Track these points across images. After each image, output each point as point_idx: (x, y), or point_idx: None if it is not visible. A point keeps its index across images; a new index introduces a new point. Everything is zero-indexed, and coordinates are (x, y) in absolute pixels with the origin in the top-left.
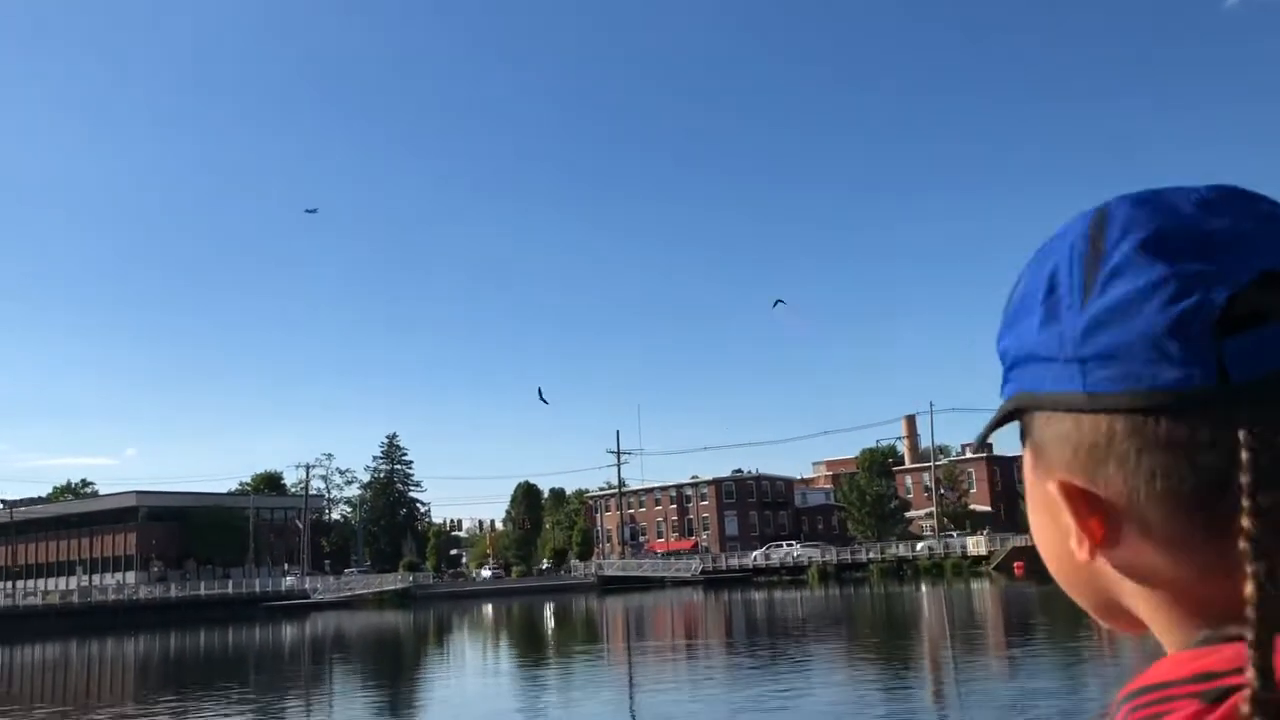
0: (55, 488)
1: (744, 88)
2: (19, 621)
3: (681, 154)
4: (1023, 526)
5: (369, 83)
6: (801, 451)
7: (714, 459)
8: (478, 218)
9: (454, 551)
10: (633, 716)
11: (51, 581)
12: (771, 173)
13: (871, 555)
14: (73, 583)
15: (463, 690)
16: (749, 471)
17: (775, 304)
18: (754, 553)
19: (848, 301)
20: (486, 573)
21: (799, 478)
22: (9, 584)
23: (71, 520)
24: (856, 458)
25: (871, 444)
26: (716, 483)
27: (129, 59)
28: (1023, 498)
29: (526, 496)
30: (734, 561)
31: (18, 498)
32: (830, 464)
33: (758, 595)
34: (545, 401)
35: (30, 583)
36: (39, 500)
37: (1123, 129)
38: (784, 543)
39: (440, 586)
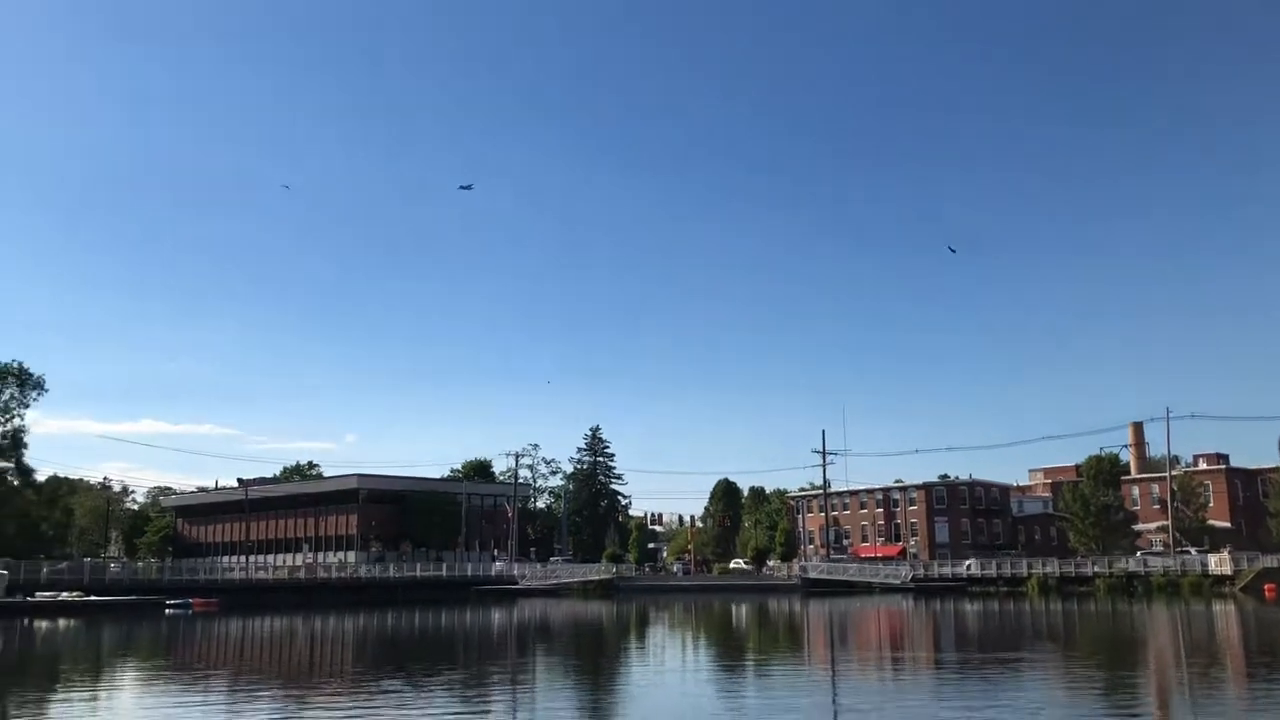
0: (284, 469)
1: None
2: (252, 594)
3: (896, 157)
4: (1269, 545)
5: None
6: (1016, 458)
7: (918, 464)
8: (684, 223)
9: (652, 545)
10: None
11: (280, 557)
12: (989, 161)
13: (1097, 569)
14: (299, 559)
15: (664, 687)
16: (960, 477)
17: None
18: (967, 561)
19: (1075, 299)
20: (681, 568)
21: (1014, 485)
22: (243, 558)
23: (299, 500)
24: (1079, 466)
25: (1095, 451)
26: (926, 487)
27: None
28: (1270, 514)
29: (726, 494)
30: (946, 570)
31: (251, 477)
32: (1049, 471)
33: (972, 606)
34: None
35: (261, 558)
36: (270, 480)
37: None
38: (999, 552)
39: (642, 579)
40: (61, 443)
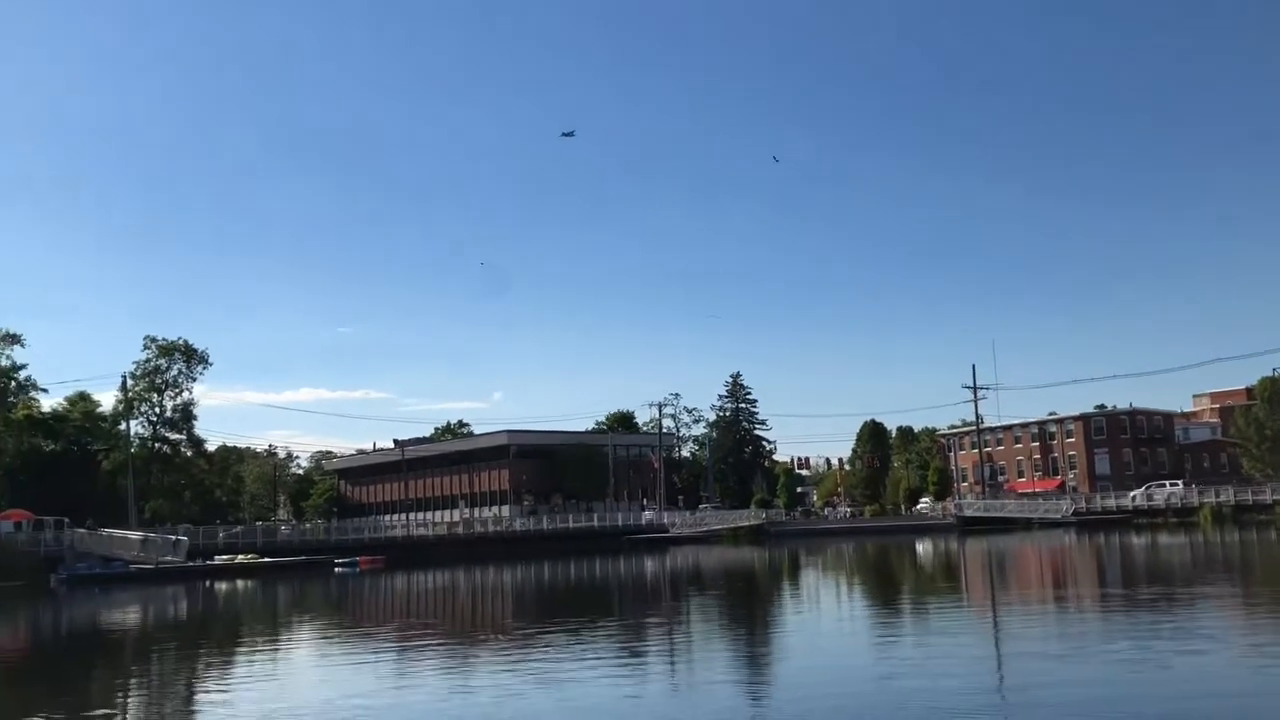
0: (436, 429)
1: None
2: (414, 550)
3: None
4: None
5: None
6: (1181, 384)
7: (1073, 395)
8: (842, 163)
9: (800, 489)
10: (1000, 677)
11: (438, 514)
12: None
13: (1277, 496)
14: (456, 515)
15: (819, 632)
16: (1119, 407)
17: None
18: (1132, 492)
19: (1252, 215)
20: (841, 510)
21: (1179, 411)
22: (403, 516)
23: (453, 458)
24: (1250, 388)
25: (1269, 373)
26: (1084, 419)
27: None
28: None
29: (873, 434)
30: (1109, 502)
31: (407, 438)
32: (1216, 396)
33: (1139, 539)
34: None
35: (420, 515)
36: (423, 440)
37: None
38: (1166, 482)
39: (793, 524)
40: (228, 414)
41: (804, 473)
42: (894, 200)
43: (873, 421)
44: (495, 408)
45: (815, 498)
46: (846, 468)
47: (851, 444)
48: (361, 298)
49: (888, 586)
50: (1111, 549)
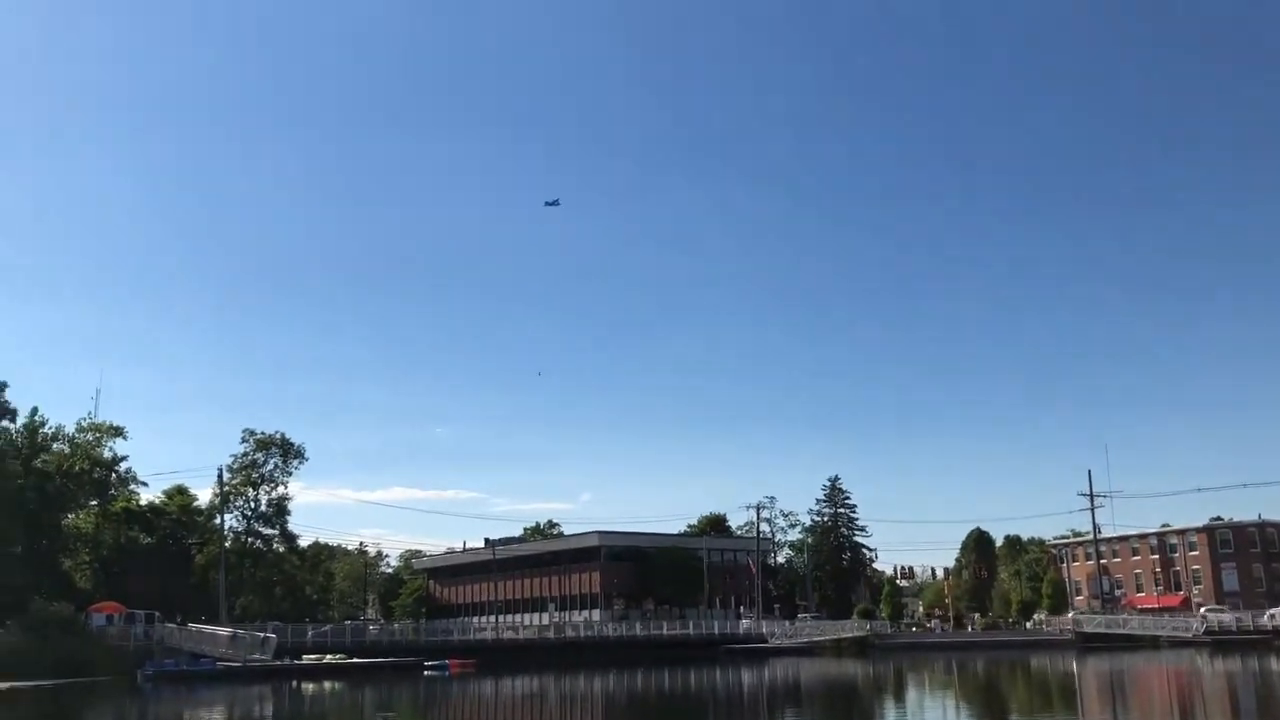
0: (525, 529)
1: None
2: (503, 654)
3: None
4: None
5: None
6: None
7: (1183, 505)
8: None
9: (902, 599)
10: None
11: (527, 616)
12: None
13: None
14: (545, 618)
15: None
16: (1239, 519)
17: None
18: (1269, 611)
19: None
20: (946, 623)
21: None
22: (493, 617)
23: (543, 559)
24: None
25: None
26: (1208, 530)
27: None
28: None
29: (978, 543)
30: (1245, 621)
31: (496, 537)
32: None
33: None
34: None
35: (509, 617)
36: (513, 540)
37: None
38: None
39: (899, 636)
40: (320, 510)
41: (904, 583)
42: (1001, 305)
43: (979, 530)
44: (584, 508)
45: (920, 608)
46: (951, 578)
47: (956, 553)
48: (453, 399)
49: (1004, 710)
50: (1249, 674)
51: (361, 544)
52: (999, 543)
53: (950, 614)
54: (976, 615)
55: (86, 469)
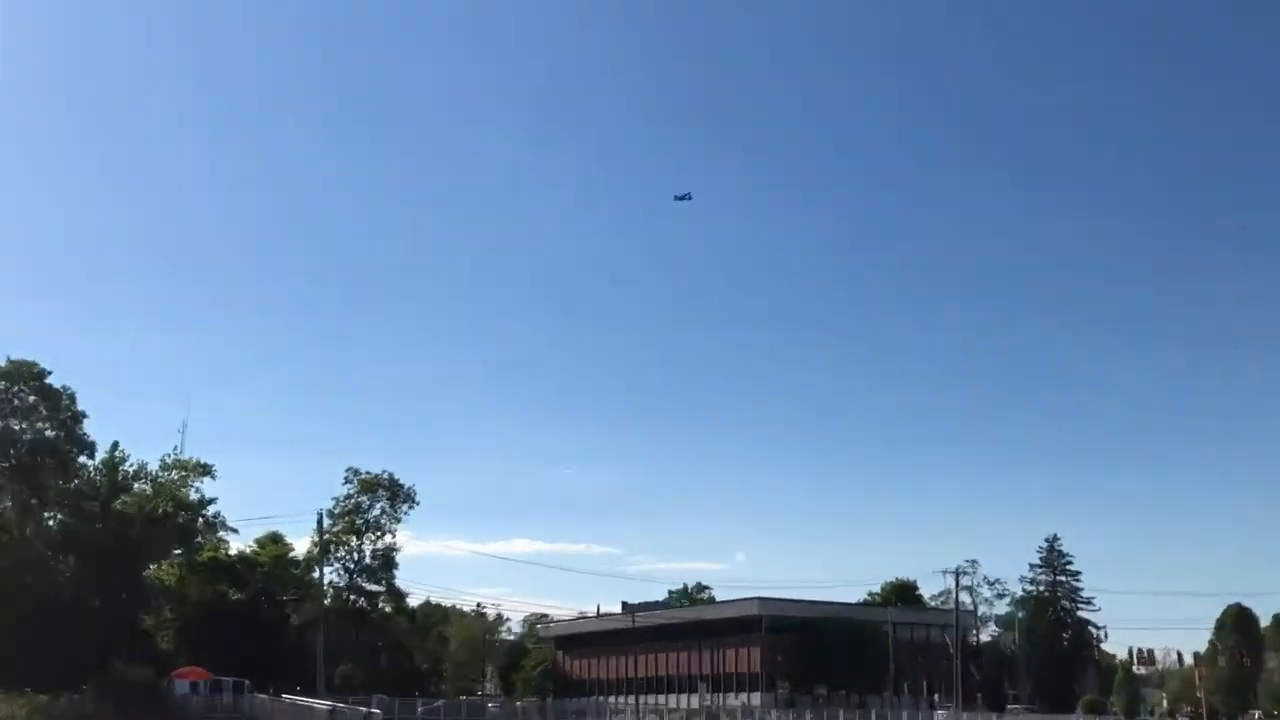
0: (670, 592)
1: None
2: None
3: None
4: None
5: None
6: None
7: None
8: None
9: (1139, 690)
10: None
11: (673, 698)
12: None
13: None
14: (694, 700)
15: None
16: None
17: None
18: None
19: None
20: None
21: None
22: (631, 698)
23: (691, 629)
24: None
25: None
26: None
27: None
28: None
29: (1239, 621)
30: None
31: (635, 601)
32: None
33: None
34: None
35: (652, 698)
36: (656, 605)
37: None
38: None
39: None
40: (431, 563)
41: (1142, 669)
42: (1244, 336)
43: (1239, 605)
44: (739, 568)
45: (1163, 702)
46: (1203, 665)
47: (1209, 633)
48: (580, 439)
49: None
50: None
51: (479, 605)
52: (1265, 622)
53: (1203, 710)
54: (1238, 715)
55: (171, 512)
